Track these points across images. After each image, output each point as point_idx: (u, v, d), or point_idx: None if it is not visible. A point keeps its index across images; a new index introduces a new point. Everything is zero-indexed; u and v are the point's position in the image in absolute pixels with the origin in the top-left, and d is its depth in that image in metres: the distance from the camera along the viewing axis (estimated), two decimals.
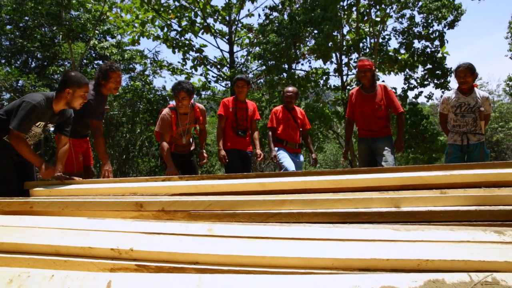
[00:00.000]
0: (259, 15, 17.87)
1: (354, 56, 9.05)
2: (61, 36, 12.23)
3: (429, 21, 8.99)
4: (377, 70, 8.77)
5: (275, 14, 10.32)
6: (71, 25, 11.10)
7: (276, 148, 4.20)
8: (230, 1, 10.40)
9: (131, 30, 10.07)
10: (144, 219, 1.59)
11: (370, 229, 1.30)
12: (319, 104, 9.27)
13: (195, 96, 8.36)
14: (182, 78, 11.12)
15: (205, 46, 10.49)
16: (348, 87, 9.25)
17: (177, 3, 9.89)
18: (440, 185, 1.75)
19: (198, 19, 10.17)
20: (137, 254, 1.19)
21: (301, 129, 4.42)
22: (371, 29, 8.92)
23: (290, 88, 4.39)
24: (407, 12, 9.05)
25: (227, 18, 10.90)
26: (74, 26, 11.18)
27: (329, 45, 7.98)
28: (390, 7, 8.68)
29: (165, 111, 3.60)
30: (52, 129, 3.00)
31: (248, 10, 21.46)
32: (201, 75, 11.00)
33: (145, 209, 1.64)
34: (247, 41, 11.85)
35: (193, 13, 10.04)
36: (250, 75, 12.14)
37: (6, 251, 1.27)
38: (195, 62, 10.49)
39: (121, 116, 9.03)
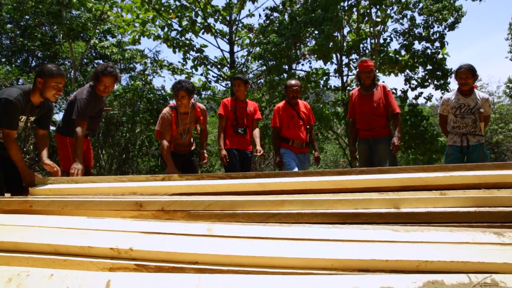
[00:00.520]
0: (260, 15, 17.89)
1: (355, 56, 9.05)
2: (61, 35, 12.23)
3: (430, 22, 9.00)
4: (377, 71, 8.77)
5: (275, 14, 10.32)
6: (72, 24, 11.11)
7: (281, 150, 3.96)
8: (231, 1, 10.40)
9: (132, 30, 10.06)
10: (143, 218, 1.59)
11: (370, 230, 1.30)
12: (319, 105, 9.28)
13: (195, 96, 8.36)
14: (182, 78, 11.12)
15: (205, 46, 10.48)
16: (348, 87, 9.25)
17: (177, 3, 9.90)
18: (439, 186, 1.75)
19: (199, 19, 10.17)
20: (137, 253, 1.19)
21: (308, 126, 4.11)
22: (371, 29, 8.93)
23: (294, 82, 4.04)
24: (408, 13, 9.07)
25: (228, 18, 10.90)
26: (75, 25, 11.19)
27: (330, 45, 7.97)
28: (390, 7, 8.69)
29: (166, 110, 3.61)
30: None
31: (249, 10, 21.49)
32: (201, 75, 11.00)
33: (145, 208, 1.64)
34: (247, 41, 11.85)
35: (193, 13, 10.04)
36: (251, 75, 12.14)
37: (6, 250, 1.27)
38: (196, 62, 10.49)
39: (121, 115, 9.02)
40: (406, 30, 9.27)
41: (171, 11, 9.95)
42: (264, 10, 10.66)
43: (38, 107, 2.63)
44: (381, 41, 9.06)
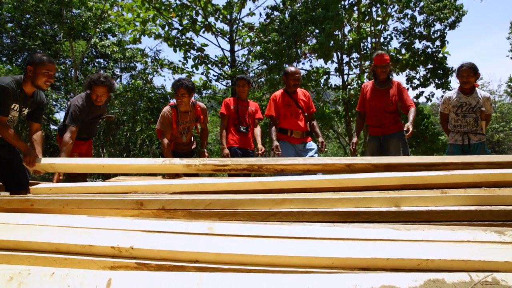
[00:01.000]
0: (260, 14, 17.86)
1: (355, 55, 9.05)
2: (62, 34, 12.23)
3: (430, 21, 8.99)
4: None
5: (276, 13, 10.31)
6: (72, 23, 11.12)
7: (277, 142, 3.67)
8: (231, 0, 10.39)
9: (132, 29, 10.07)
10: (144, 217, 1.59)
11: (371, 228, 1.30)
12: (319, 104, 9.28)
13: (196, 95, 8.37)
14: (183, 77, 11.10)
15: (206, 45, 10.50)
16: (348, 86, 9.24)
17: (178, 2, 9.90)
18: (440, 185, 1.74)
19: (199, 18, 10.18)
20: (137, 252, 1.19)
21: (306, 114, 3.87)
22: (372, 28, 8.92)
23: (294, 69, 3.79)
24: (409, 12, 9.06)
25: (228, 17, 10.90)
26: (75, 24, 11.19)
27: (330, 44, 7.97)
28: (391, 6, 8.68)
29: (166, 108, 3.62)
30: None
31: (249, 9, 21.42)
32: (202, 74, 11.02)
33: (146, 207, 1.64)
34: (248, 40, 11.85)
35: (194, 11, 10.04)
36: (251, 74, 12.13)
37: (7, 249, 1.27)
38: (196, 61, 10.50)
39: (122, 114, 9.03)
40: (407, 29, 9.27)
41: (171, 10, 9.96)
42: (264, 9, 10.67)
43: (31, 97, 2.66)
44: (382, 40, 9.06)
